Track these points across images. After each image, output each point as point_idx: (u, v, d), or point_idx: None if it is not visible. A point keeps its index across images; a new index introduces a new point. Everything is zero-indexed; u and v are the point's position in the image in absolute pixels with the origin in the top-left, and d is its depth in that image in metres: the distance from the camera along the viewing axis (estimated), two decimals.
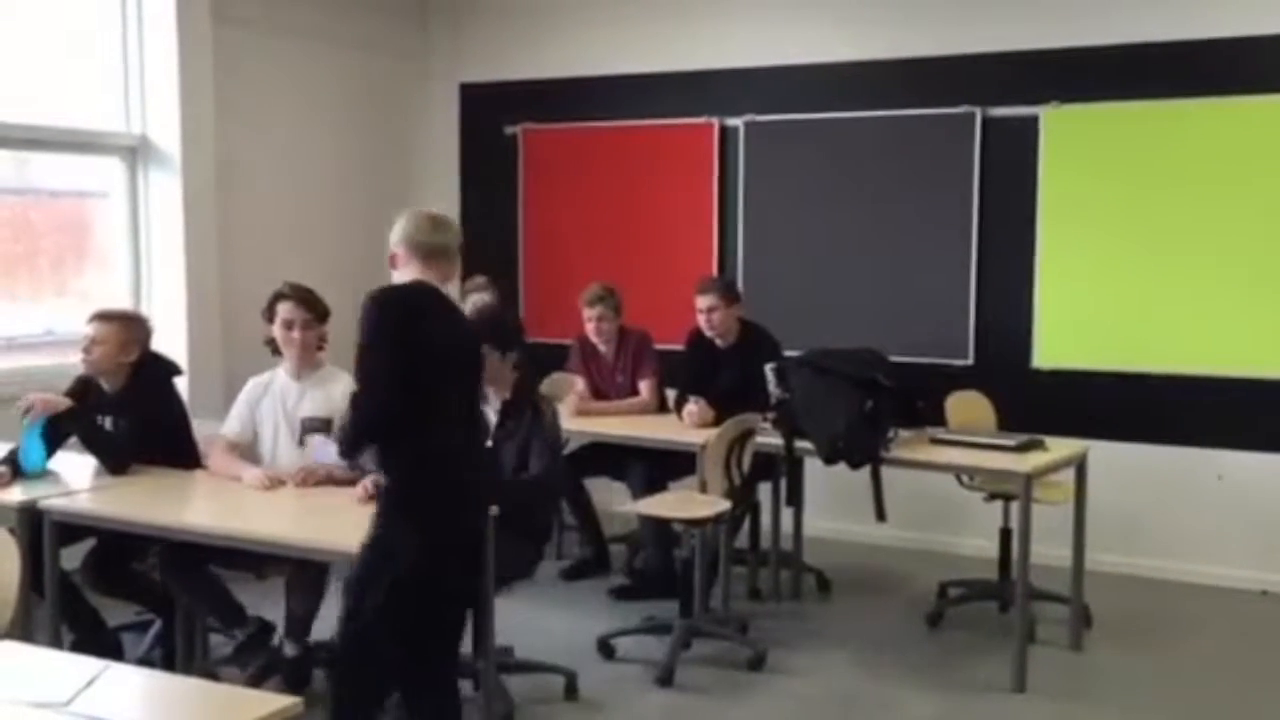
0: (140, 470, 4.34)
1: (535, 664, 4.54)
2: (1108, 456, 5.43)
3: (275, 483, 4.18)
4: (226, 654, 4.29)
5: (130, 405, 4.41)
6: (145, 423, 4.39)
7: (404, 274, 3.35)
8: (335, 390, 4.39)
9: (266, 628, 4.25)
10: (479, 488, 3.42)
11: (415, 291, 3.32)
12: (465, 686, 3.78)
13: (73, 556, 4.28)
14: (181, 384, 4.73)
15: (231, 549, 3.89)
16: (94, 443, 4.33)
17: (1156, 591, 5.82)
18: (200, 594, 4.23)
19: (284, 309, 4.40)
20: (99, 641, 4.28)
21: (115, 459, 4.32)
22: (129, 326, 4.50)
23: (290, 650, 4.32)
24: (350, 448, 3.43)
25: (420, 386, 3.17)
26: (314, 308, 4.44)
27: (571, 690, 4.45)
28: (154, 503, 4.05)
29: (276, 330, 4.41)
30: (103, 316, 4.47)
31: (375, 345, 3.19)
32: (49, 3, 5.69)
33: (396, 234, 3.38)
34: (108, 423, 4.41)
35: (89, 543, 4.33)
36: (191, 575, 4.16)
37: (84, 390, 4.47)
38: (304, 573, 4.24)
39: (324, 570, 4.27)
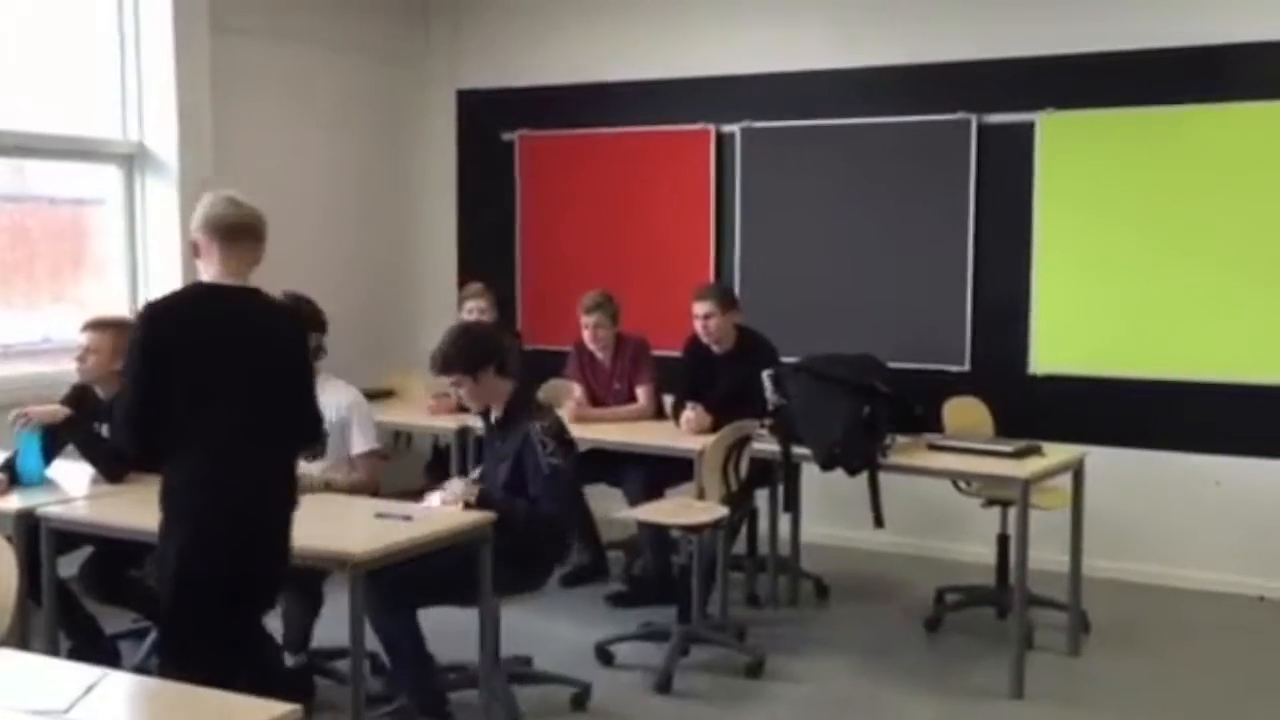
0: (137, 478, 4.33)
1: (551, 675, 4.55)
2: (1105, 462, 5.44)
3: None
4: None
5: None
6: None
7: (206, 264, 3.28)
8: (333, 399, 4.39)
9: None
10: (255, 491, 3.23)
11: (186, 300, 3.30)
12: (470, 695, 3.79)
13: (70, 564, 4.28)
14: None
15: None
16: (91, 451, 4.32)
17: (1154, 597, 5.82)
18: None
19: None
20: (97, 648, 4.27)
21: (112, 467, 4.31)
22: (123, 334, 4.48)
23: (290, 661, 4.29)
24: (107, 465, 3.77)
25: (185, 398, 3.12)
26: (307, 321, 4.37)
27: (580, 702, 4.44)
28: (151, 510, 4.03)
29: None
30: (97, 325, 4.47)
31: (133, 361, 3.15)
32: (47, 11, 5.69)
33: (195, 220, 3.31)
34: (104, 430, 4.40)
35: (86, 550, 4.33)
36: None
37: (80, 398, 4.47)
38: (300, 581, 4.19)
39: (320, 578, 4.27)
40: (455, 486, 4.12)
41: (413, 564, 3.76)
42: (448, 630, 4.17)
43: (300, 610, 4.33)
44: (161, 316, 3.20)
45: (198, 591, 3.10)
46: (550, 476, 4.05)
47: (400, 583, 3.87)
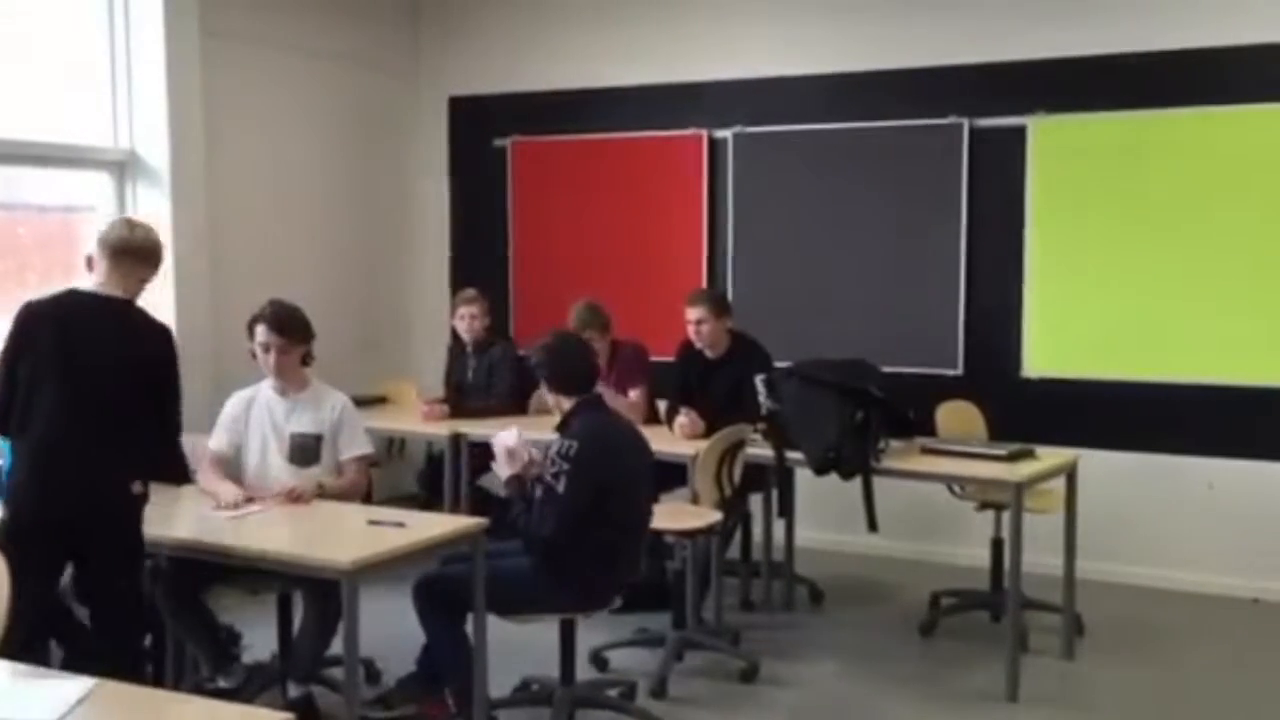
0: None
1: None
2: (1098, 465, 5.45)
3: (245, 503, 4.13)
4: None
5: None
6: None
7: (95, 275, 3.69)
8: (325, 406, 4.39)
9: (252, 678, 4.19)
10: (73, 480, 3.55)
11: (53, 300, 3.68)
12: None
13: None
14: None
15: (227, 566, 3.87)
16: None
17: (1148, 600, 5.82)
18: (193, 630, 4.16)
19: (260, 332, 4.35)
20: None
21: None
22: None
23: (293, 691, 4.16)
24: None
25: (26, 385, 3.55)
26: (289, 331, 4.34)
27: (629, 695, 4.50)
28: (146, 519, 4.02)
29: (256, 350, 4.40)
30: None
31: (5, 349, 3.63)
32: (37, 18, 5.68)
33: (95, 239, 3.72)
34: None
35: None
36: (186, 608, 4.12)
37: None
38: (317, 596, 4.02)
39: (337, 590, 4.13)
40: (518, 450, 4.13)
41: (466, 570, 3.91)
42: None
43: (316, 629, 4.10)
44: (34, 311, 3.64)
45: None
46: (545, 492, 3.95)
47: (454, 587, 3.97)
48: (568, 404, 4.16)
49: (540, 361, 4.22)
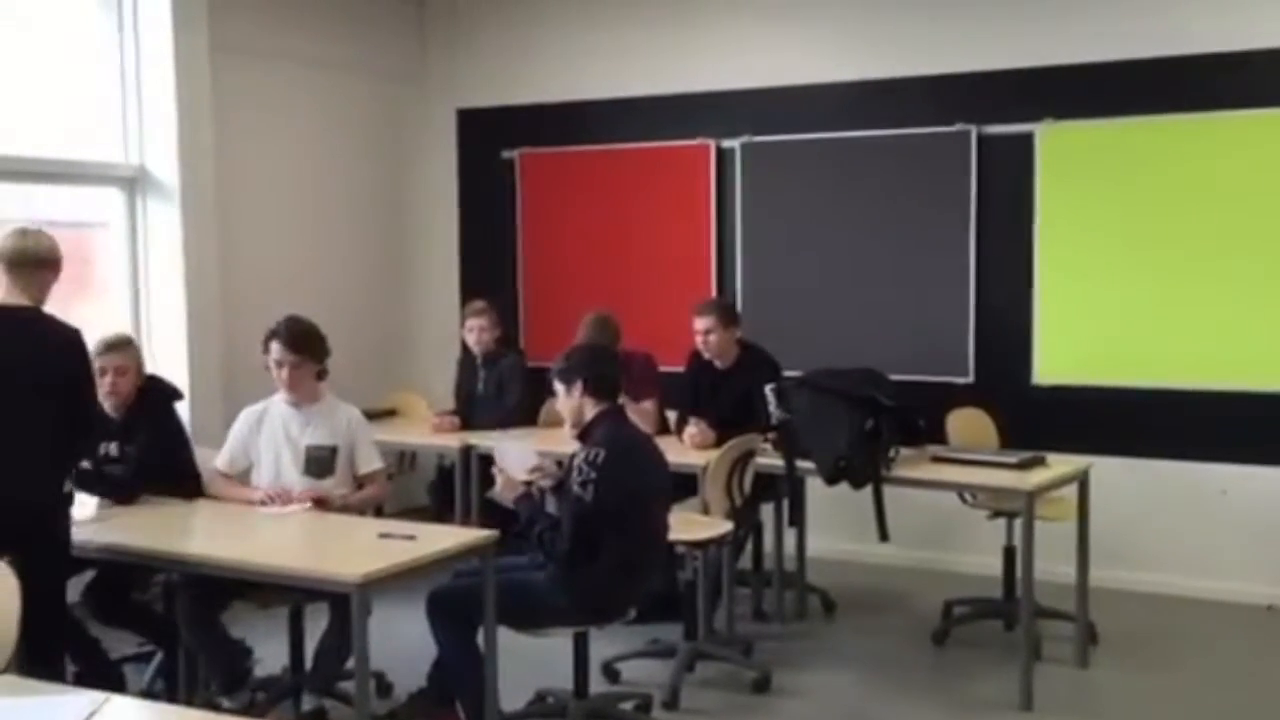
0: (144, 500, 4.33)
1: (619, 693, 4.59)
2: (1110, 472, 5.43)
3: (284, 494, 4.23)
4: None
5: (136, 429, 4.42)
6: (150, 448, 4.39)
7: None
8: (340, 419, 4.41)
9: (260, 703, 4.19)
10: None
11: None
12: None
13: (74, 587, 4.26)
14: (183, 412, 4.74)
15: (241, 581, 3.88)
16: (94, 487, 4.30)
17: (1162, 607, 5.80)
18: (207, 646, 4.15)
19: (274, 349, 4.39)
20: (101, 674, 4.25)
21: (120, 492, 4.31)
22: (136, 349, 4.55)
23: (307, 704, 4.18)
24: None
25: None
26: (304, 349, 4.37)
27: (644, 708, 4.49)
28: (156, 533, 4.04)
29: (270, 364, 4.42)
30: (117, 345, 4.48)
31: None
32: (47, 35, 5.71)
33: None
34: (113, 448, 4.41)
35: (89, 574, 4.32)
36: (203, 624, 4.12)
37: None
38: (341, 608, 3.97)
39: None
40: (523, 461, 4.13)
41: (478, 583, 3.90)
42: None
43: (339, 643, 4.09)
44: None
45: None
46: (572, 503, 3.92)
47: (467, 600, 3.96)
48: (592, 411, 4.09)
49: (581, 362, 4.15)
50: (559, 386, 4.15)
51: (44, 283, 3.77)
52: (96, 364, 4.27)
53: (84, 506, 4.30)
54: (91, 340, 4.13)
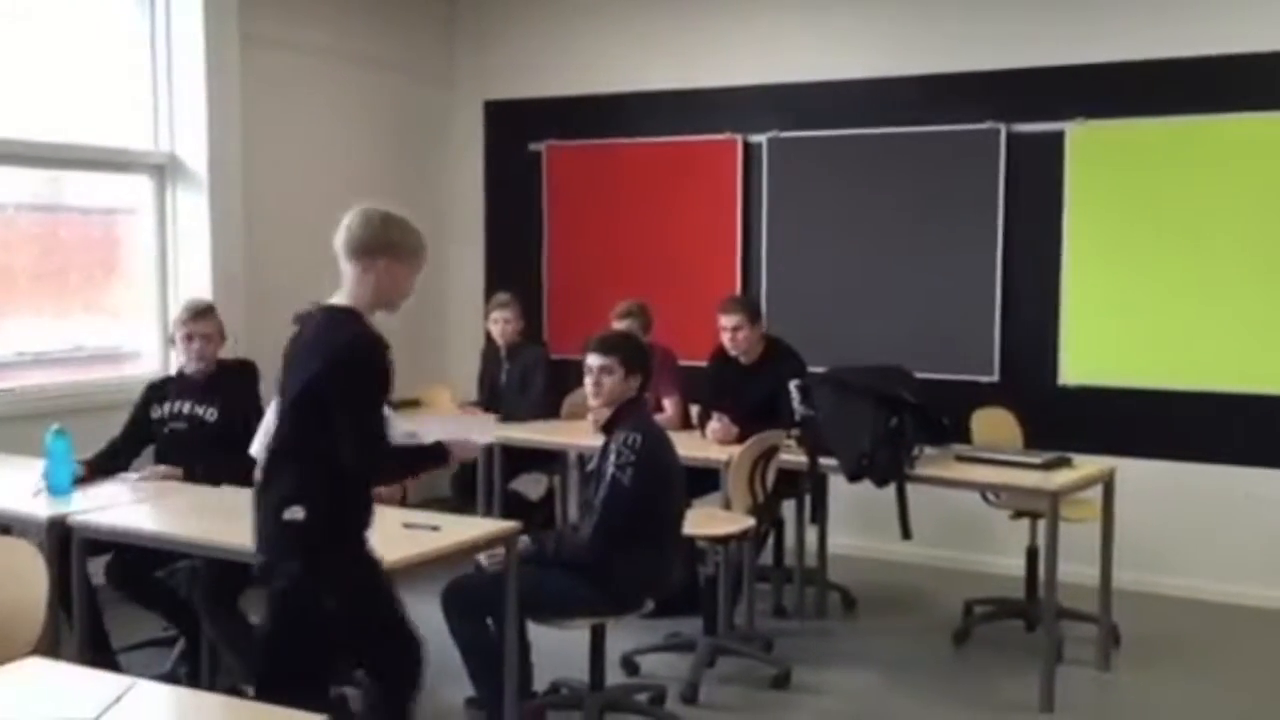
0: (172, 488, 4.36)
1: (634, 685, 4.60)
2: (1135, 474, 5.40)
3: None
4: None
5: (217, 394, 4.60)
6: (231, 417, 4.55)
7: None
8: None
9: None
10: None
11: None
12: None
13: (97, 573, 4.30)
14: None
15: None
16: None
17: (1185, 611, 5.76)
18: (226, 634, 4.17)
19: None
20: (97, 664, 4.26)
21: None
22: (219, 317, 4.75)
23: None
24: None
25: None
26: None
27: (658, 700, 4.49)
28: (180, 517, 4.07)
29: None
30: (206, 310, 4.70)
31: None
32: (79, 24, 5.75)
33: None
34: (187, 407, 4.60)
35: (107, 557, 4.36)
36: (223, 611, 4.14)
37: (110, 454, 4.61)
38: None
39: None
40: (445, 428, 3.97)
41: (494, 577, 3.92)
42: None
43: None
44: None
45: None
46: (609, 486, 3.95)
47: (481, 592, 3.98)
48: (628, 395, 4.13)
49: (643, 352, 4.24)
50: (619, 368, 4.12)
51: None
52: (184, 330, 4.55)
53: (108, 490, 4.36)
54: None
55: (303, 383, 3.14)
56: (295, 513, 3.10)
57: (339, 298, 3.28)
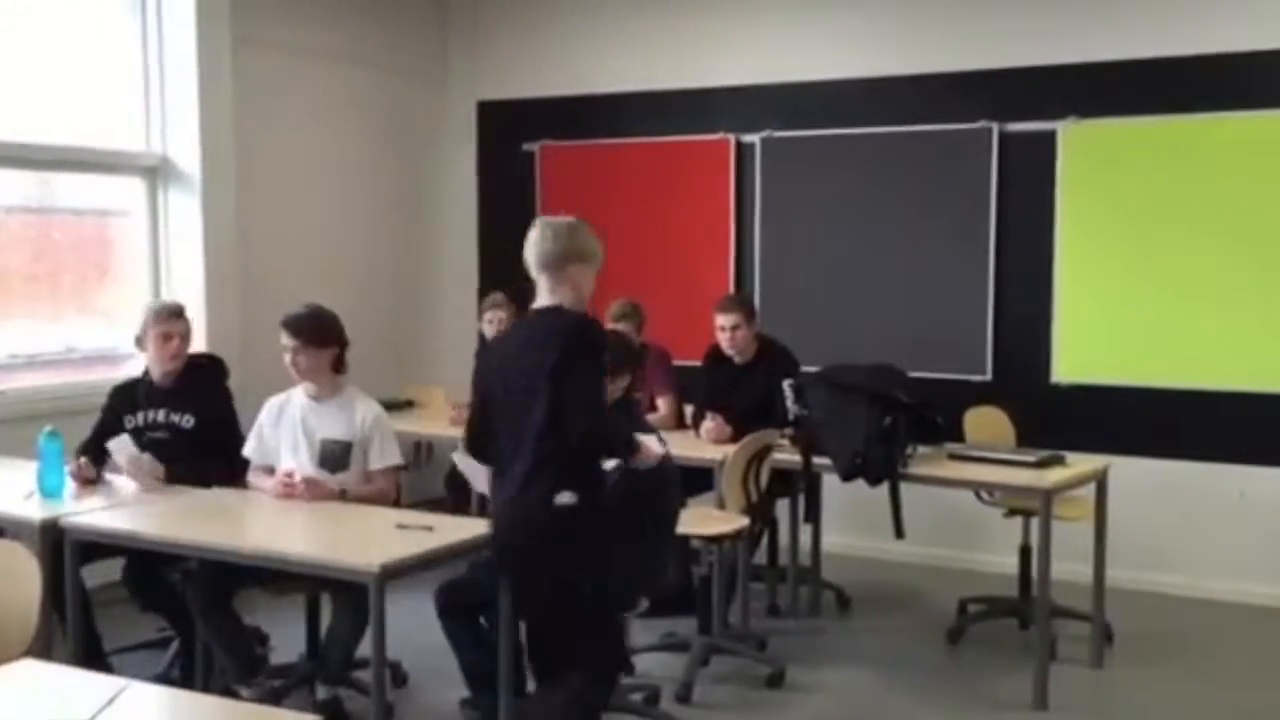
0: (173, 489, 4.35)
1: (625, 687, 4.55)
2: (1128, 472, 5.41)
3: (290, 483, 4.25)
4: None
5: (190, 399, 4.55)
6: (208, 420, 4.53)
7: None
8: (357, 414, 4.39)
9: (276, 692, 4.19)
10: None
11: None
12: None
13: (91, 576, 4.29)
14: None
15: (256, 569, 3.90)
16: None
17: (1178, 608, 5.78)
18: (220, 634, 4.16)
19: (283, 337, 4.39)
20: (89, 666, 4.25)
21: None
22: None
23: (321, 693, 4.16)
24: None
25: None
26: (305, 335, 4.34)
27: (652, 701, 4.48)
28: (173, 521, 4.07)
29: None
30: (181, 311, 4.65)
31: None
32: (71, 26, 5.74)
33: None
34: (162, 415, 4.54)
35: (107, 562, 4.34)
36: (216, 611, 4.13)
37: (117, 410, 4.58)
38: (345, 599, 4.04)
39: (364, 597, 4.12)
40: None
41: (479, 572, 3.94)
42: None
43: (345, 632, 4.11)
44: None
45: None
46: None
47: (474, 592, 3.99)
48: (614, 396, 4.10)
49: (632, 353, 4.33)
50: (612, 369, 4.11)
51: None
52: (161, 330, 4.50)
53: (124, 488, 4.35)
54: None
55: (549, 371, 3.39)
56: (566, 498, 3.34)
57: (542, 302, 3.60)
